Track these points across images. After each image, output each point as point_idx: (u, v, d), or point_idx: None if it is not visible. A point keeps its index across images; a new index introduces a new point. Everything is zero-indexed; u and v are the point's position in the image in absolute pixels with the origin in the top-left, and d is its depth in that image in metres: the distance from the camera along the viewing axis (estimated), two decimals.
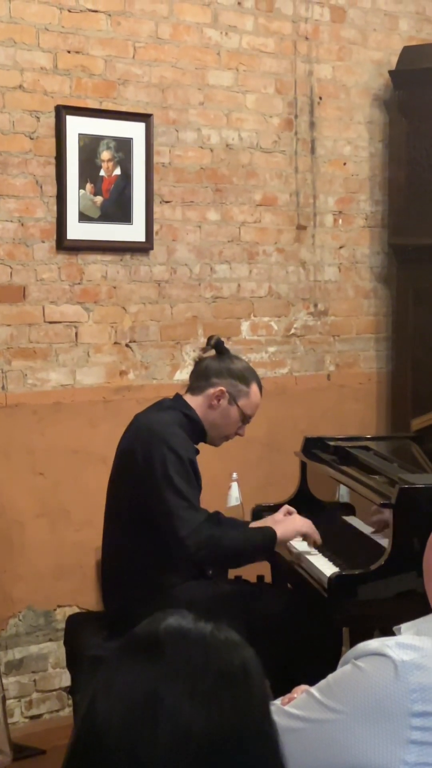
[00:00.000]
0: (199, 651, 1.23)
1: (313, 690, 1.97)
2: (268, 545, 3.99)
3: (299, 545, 4.24)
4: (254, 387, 4.15)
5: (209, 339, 4.23)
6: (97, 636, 4.09)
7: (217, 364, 4.16)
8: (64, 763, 1.26)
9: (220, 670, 1.22)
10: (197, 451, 4.10)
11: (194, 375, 4.20)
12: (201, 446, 4.17)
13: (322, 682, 1.97)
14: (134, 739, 1.18)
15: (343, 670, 1.95)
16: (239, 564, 4.16)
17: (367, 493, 4.11)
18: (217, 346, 4.19)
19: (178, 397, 4.16)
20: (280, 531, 4.01)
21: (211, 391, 4.10)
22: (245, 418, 4.15)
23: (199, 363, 4.22)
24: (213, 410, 4.11)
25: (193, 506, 3.87)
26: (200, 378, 4.15)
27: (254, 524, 4.12)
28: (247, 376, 4.16)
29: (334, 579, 3.80)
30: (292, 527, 4.07)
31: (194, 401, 4.12)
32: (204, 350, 4.25)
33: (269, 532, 3.99)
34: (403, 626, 2.15)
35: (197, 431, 4.11)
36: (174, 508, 3.84)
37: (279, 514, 4.13)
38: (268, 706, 1.25)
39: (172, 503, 3.84)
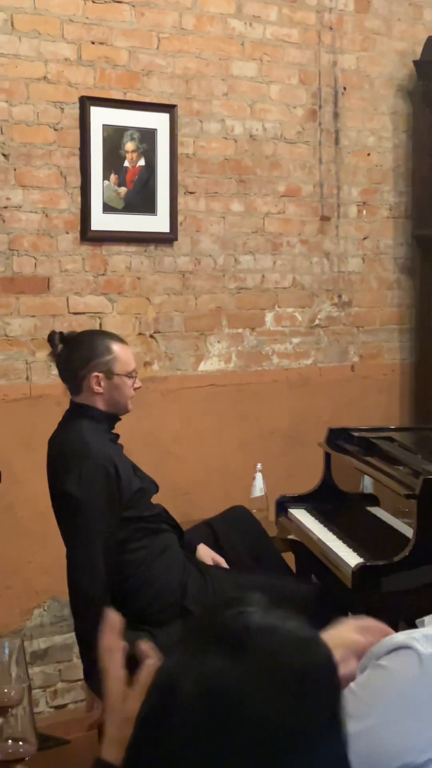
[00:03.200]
0: (287, 651, 1.22)
1: None
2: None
3: (320, 533, 4.24)
4: (115, 347, 4.11)
5: (49, 339, 4.20)
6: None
7: (70, 356, 4.12)
8: (136, 723, 1.25)
9: (305, 670, 1.21)
10: (114, 439, 4.14)
11: (63, 379, 4.18)
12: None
13: (345, 692, 1.94)
14: (213, 731, 1.18)
15: (366, 675, 1.93)
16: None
17: (391, 483, 4.11)
18: (52, 340, 4.17)
19: (73, 406, 4.15)
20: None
21: (87, 383, 4.08)
22: (130, 375, 4.11)
23: (58, 367, 4.20)
24: (104, 395, 4.09)
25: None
26: (69, 379, 4.14)
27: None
28: (99, 345, 4.11)
29: (358, 570, 3.80)
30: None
31: (84, 398, 4.11)
32: (53, 353, 4.19)
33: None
34: (427, 618, 2.14)
35: (105, 419, 4.12)
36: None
37: None
38: (341, 701, 1.25)
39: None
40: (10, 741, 1.77)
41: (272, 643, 1.22)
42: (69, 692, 5.00)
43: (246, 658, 1.20)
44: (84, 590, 3.98)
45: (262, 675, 1.19)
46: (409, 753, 1.82)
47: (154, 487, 4.19)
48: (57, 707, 4.98)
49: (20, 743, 1.78)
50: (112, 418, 4.17)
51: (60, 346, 4.15)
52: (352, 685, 1.92)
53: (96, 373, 4.07)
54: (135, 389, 4.16)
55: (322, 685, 1.23)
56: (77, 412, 4.13)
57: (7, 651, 1.93)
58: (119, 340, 4.18)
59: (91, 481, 3.95)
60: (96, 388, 4.08)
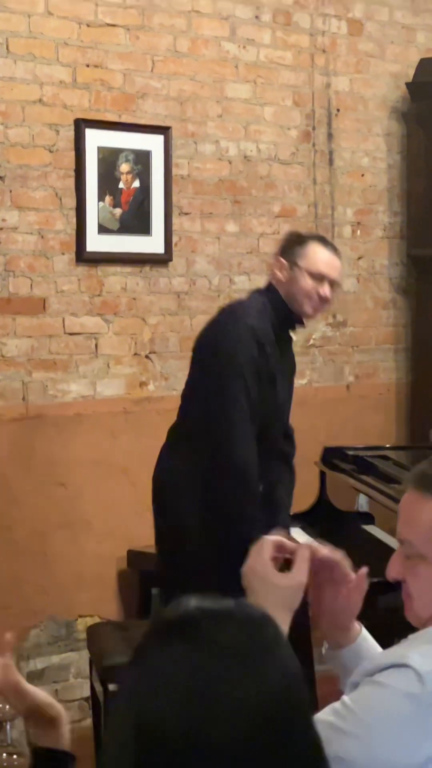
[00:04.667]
0: (233, 627, 1.25)
1: (327, 716, 1.91)
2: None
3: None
4: (312, 244, 4.06)
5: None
6: (118, 645, 4.12)
7: (280, 244, 4.17)
8: (103, 742, 1.27)
9: (257, 643, 1.25)
10: (276, 336, 4.02)
11: None
12: None
13: (338, 706, 1.95)
14: (199, 726, 1.19)
15: (362, 692, 1.93)
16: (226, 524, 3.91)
17: (387, 502, 4.12)
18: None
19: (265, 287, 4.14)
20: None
21: (273, 267, 4.09)
22: (314, 276, 4.00)
23: None
24: (283, 283, 4.02)
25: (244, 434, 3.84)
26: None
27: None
28: (304, 238, 4.12)
29: None
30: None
31: (272, 284, 4.08)
32: None
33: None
34: (411, 636, 2.12)
35: (281, 312, 4.04)
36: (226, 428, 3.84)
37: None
38: (300, 672, 1.27)
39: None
40: (4, 755, 1.79)
41: (219, 623, 1.25)
42: (66, 712, 4.99)
43: (200, 642, 1.23)
44: (243, 459, 3.83)
45: (220, 652, 1.22)
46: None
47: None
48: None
49: (14, 756, 1.80)
50: (287, 315, 4.05)
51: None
52: (346, 699, 1.93)
53: (280, 258, 4.06)
54: (319, 296, 4.00)
55: (275, 656, 1.25)
56: (263, 291, 4.11)
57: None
58: (328, 245, 4.13)
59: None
60: (277, 274, 4.04)
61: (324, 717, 1.89)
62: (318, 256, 4.04)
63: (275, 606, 1.78)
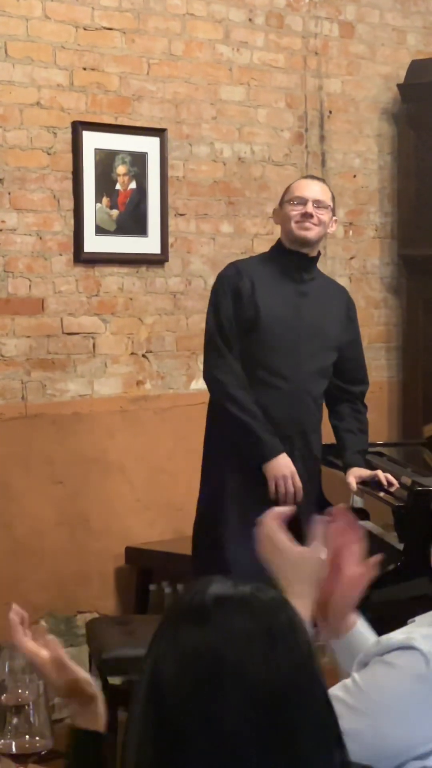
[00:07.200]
0: (243, 613, 1.32)
1: (338, 692, 1.98)
2: (253, 456, 4.18)
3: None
4: (295, 182, 4.46)
5: None
6: (117, 639, 4.19)
7: None
8: (127, 723, 1.35)
9: (267, 629, 1.31)
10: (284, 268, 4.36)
11: None
12: None
13: (349, 683, 2.01)
14: (204, 699, 1.27)
15: (371, 671, 2.00)
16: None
17: (382, 496, 4.19)
18: None
19: None
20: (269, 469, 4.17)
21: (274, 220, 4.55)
22: (293, 202, 4.32)
23: None
24: (281, 228, 4.40)
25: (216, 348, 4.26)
26: None
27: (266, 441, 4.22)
28: (291, 183, 4.48)
29: None
30: (276, 472, 4.19)
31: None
32: None
33: (262, 454, 4.18)
34: (418, 618, 2.20)
35: (274, 249, 4.46)
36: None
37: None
38: (316, 658, 1.34)
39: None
40: (27, 737, 1.86)
41: (229, 609, 1.32)
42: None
43: (211, 627, 1.31)
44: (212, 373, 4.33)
45: (229, 637, 1.29)
46: (415, 745, 1.91)
47: None
48: (54, 722, 5.03)
49: (36, 738, 1.87)
50: (279, 249, 4.43)
51: None
52: (356, 676, 2.00)
53: (275, 207, 4.51)
54: (300, 215, 4.31)
55: (287, 642, 1.32)
56: None
57: (19, 658, 2.02)
58: (309, 177, 4.63)
59: None
60: (275, 219, 4.50)
61: (335, 692, 1.96)
62: (296, 186, 4.41)
63: (301, 579, 1.85)
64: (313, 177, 4.59)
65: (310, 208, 4.28)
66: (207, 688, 1.28)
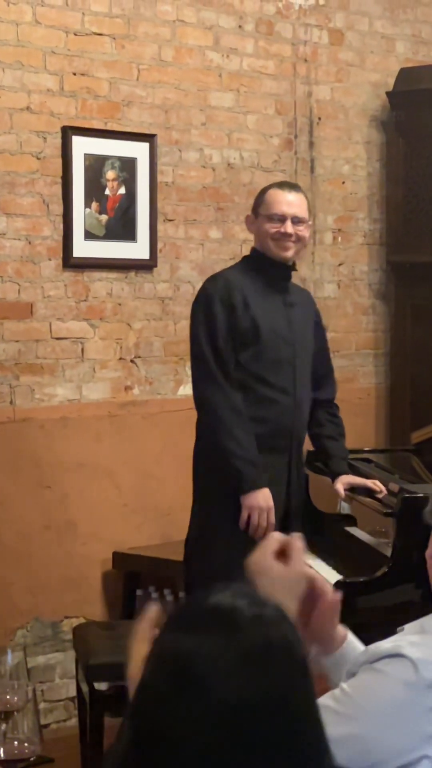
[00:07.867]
0: (233, 627, 1.30)
1: (326, 701, 1.97)
2: (234, 482, 4.09)
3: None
4: (269, 191, 4.30)
5: None
6: (103, 645, 4.19)
7: None
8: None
9: (255, 645, 1.29)
10: (267, 281, 4.26)
11: None
12: None
13: (337, 692, 2.01)
14: (160, 699, 1.27)
15: (360, 678, 2.00)
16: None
17: (370, 503, 4.20)
18: None
19: None
20: (246, 499, 4.07)
21: (247, 226, 4.45)
22: (272, 219, 4.21)
23: None
24: (256, 237, 4.32)
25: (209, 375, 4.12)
26: None
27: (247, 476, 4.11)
28: (265, 188, 4.36)
29: (337, 586, 3.88)
30: (253, 503, 4.08)
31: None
32: None
33: (243, 484, 4.07)
34: (407, 626, 2.20)
35: (252, 259, 4.34)
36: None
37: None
38: (310, 679, 1.33)
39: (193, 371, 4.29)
40: (15, 742, 1.86)
41: (223, 621, 1.31)
42: (51, 712, 5.06)
43: (199, 635, 1.30)
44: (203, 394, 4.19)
45: (211, 647, 1.28)
46: (403, 752, 1.91)
47: None
48: (41, 728, 5.03)
49: (25, 744, 1.87)
50: (259, 260, 4.31)
51: None
52: (344, 685, 2.00)
53: (248, 215, 4.40)
54: (278, 233, 4.21)
55: (280, 659, 1.31)
56: None
57: (9, 661, 2.02)
58: (283, 186, 4.38)
59: None
60: (250, 227, 4.39)
61: (323, 702, 1.95)
62: (273, 199, 4.27)
63: (281, 596, 1.85)
64: (288, 185, 4.40)
65: (289, 227, 4.18)
66: (171, 691, 1.27)
